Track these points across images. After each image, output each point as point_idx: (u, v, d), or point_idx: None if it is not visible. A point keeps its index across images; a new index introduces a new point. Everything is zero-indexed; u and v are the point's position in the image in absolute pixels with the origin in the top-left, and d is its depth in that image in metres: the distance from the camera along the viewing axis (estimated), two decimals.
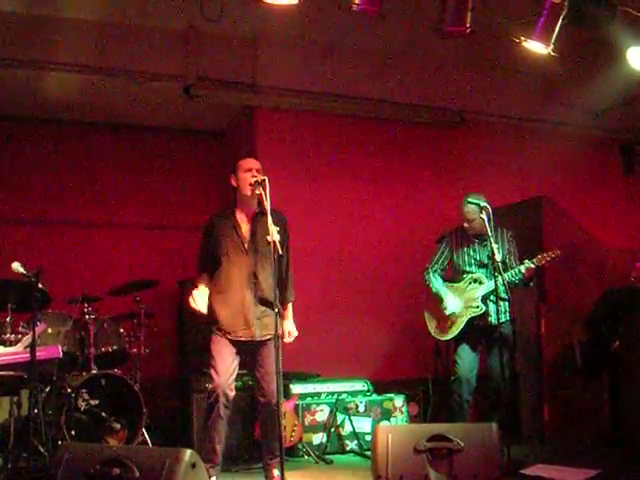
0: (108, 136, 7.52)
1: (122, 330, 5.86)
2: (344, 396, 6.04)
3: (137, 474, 3.29)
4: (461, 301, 5.47)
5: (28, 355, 4.36)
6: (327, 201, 7.08)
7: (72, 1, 5.82)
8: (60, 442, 4.91)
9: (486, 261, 5.45)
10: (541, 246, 5.46)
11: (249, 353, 4.61)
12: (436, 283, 5.60)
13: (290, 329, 4.67)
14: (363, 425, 5.99)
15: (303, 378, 6.16)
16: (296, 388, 5.98)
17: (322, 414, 5.91)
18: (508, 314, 5.45)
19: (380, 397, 6.16)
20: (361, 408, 6.04)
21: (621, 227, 8.00)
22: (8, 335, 5.08)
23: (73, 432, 5.13)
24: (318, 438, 5.84)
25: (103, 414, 5.33)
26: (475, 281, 5.49)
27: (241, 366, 4.69)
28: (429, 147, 7.57)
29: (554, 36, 4.82)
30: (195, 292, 4.51)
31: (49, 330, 5.34)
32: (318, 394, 6.03)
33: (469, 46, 6.59)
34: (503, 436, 4.36)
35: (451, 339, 5.56)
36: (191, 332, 6.62)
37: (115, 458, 3.37)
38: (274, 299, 4.23)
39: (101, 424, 5.30)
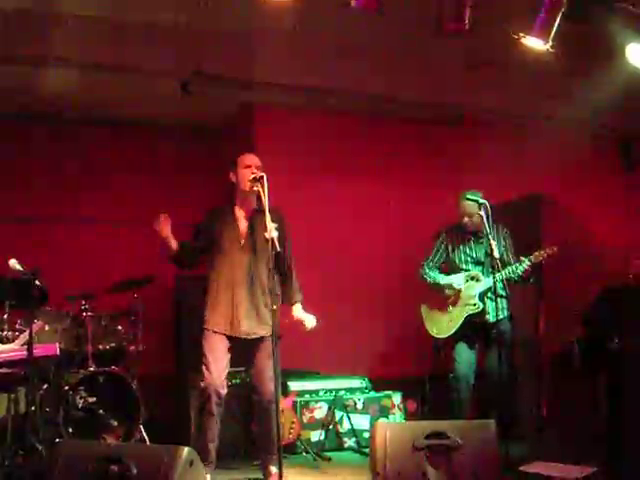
0: (104, 133, 7.49)
1: (120, 327, 5.85)
2: (342, 393, 6.05)
3: (135, 471, 3.28)
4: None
5: (25, 352, 4.35)
6: (325, 198, 7.07)
7: None
8: (57, 439, 4.90)
9: (482, 259, 5.45)
10: (539, 244, 5.47)
11: (243, 350, 4.61)
12: (433, 274, 5.60)
13: (307, 320, 4.71)
14: (361, 422, 6.00)
15: (301, 375, 6.16)
16: (294, 385, 5.98)
17: (320, 411, 5.91)
18: (506, 311, 5.44)
19: (378, 394, 6.17)
20: (359, 405, 6.04)
21: (620, 224, 7.99)
22: (5, 332, 5.09)
23: (70, 429, 5.14)
24: (316, 435, 5.84)
25: (101, 411, 5.34)
26: (472, 279, 5.49)
27: (238, 363, 4.68)
28: (427, 144, 7.56)
29: (553, 32, 4.81)
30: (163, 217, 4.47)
31: (46, 327, 5.34)
32: (316, 391, 6.04)
33: (467, 43, 6.57)
34: (501, 433, 4.35)
35: (449, 337, 5.55)
36: (189, 329, 6.60)
37: (113, 455, 3.36)
38: (270, 297, 4.23)
39: (99, 421, 5.31)
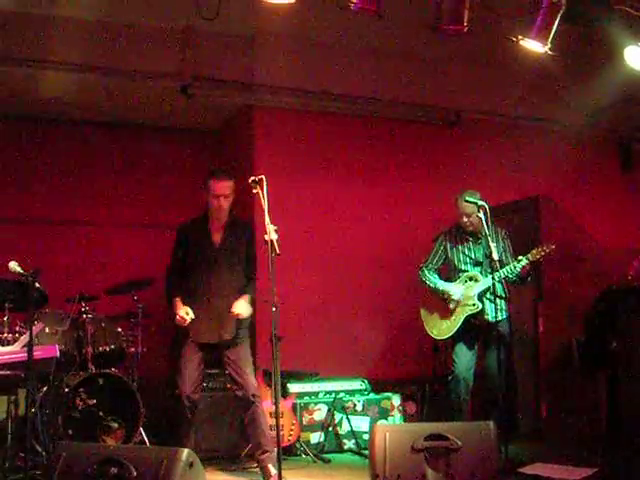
0: (105, 135, 7.49)
1: (120, 329, 5.85)
2: (342, 395, 6.05)
3: (134, 473, 3.29)
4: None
5: (25, 354, 4.33)
6: (324, 200, 7.07)
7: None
8: (57, 442, 4.89)
9: (481, 259, 5.46)
10: (538, 244, 5.46)
11: (219, 354, 4.86)
12: (433, 279, 5.61)
13: (240, 308, 4.76)
14: (361, 424, 5.99)
15: (301, 377, 6.16)
16: (294, 387, 5.98)
17: (320, 413, 5.91)
18: (505, 312, 5.45)
19: (378, 396, 6.16)
20: (359, 407, 6.04)
21: (618, 225, 7.99)
22: (5, 334, 5.08)
23: (70, 431, 5.14)
24: (316, 437, 5.84)
25: (100, 413, 5.33)
26: (471, 279, 5.50)
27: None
28: (425, 146, 7.56)
29: (551, 35, 4.82)
30: (180, 312, 4.76)
31: (46, 329, 5.34)
32: (316, 393, 6.04)
33: (466, 45, 6.59)
34: (500, 435, 4.36)
35: (448, 338, 5.56)
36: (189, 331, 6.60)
37: (112, 457, 3.37)
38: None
39: (98, 423, 5.30)
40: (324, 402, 5.96)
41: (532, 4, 4.82)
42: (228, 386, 5.44)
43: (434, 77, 7.38)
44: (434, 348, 6.38)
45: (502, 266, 5.29)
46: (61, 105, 6.92)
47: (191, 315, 4.71)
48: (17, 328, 5.18)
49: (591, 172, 8.20)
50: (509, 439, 4.95)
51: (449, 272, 5.65)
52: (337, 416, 5.94)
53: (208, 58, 6.62)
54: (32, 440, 4.64)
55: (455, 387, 5.46)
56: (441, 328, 5.54)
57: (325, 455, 5.67)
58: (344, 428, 5.96)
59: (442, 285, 5.55)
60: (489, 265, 5.17)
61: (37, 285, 4.62)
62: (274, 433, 4.40)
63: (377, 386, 6.31)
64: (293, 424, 5.66)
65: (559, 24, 4.82)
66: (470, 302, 5.42)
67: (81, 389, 5.31)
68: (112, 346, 5.74)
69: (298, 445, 5.71)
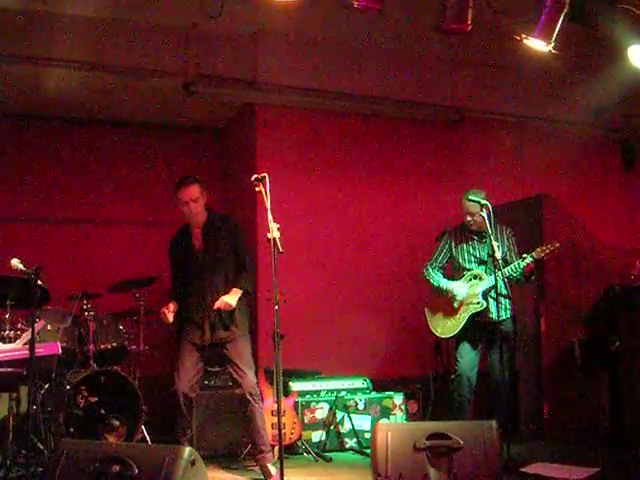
0: (107, 133, 7.50)
1: (121, 327, 5.86)
2: (344, 394, 6.04)
3: (136, 471, 3.28)
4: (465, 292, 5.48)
5: (27, 352, 4.33)
6: (327, 198, 7.07)
7: None
8: (59, 439, 4.89)
9: (486, 258, 5.45)
10: (541, 244, 5.45)
11: (217, 353, 4.95)
12: (437, 277, 5.61)
13: (220, 302, 4.80)
14: (362, 423, 5.99)
15: (303, 376, 6.16)
16: (296, 386, 5.98)
17: (322, 412, 5.90)
18: (509, 311, 5.45)
19: (380, 395, 6.16)
20: (360, 406, 6.03)
21: (621, 225, 7.99)
22: (7, 332, 5.08)
23: (72, 429, 5.14)
24: (317, 436, 5.84)
25: (102, 411, 5.34)
26: (475, 277, 5.49)
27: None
28: (429, 144, 7.56)
29: (555, 34, 4.81)
30: (163, 308, 4.84)
31: (48, 327, 5.34)
32: (318, 392, 6.03)
33: (469, 43, 6.59)
34: (503, 434, 4.36)
35: (452, 337, 5.55)
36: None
37: (114, 455, 3.36)
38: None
39: (100, 421, 5.31)
40: (326, 401, 5.95)
41: (536, 3, 4.81)
42: (229, 384, 5.43)
43: (438, 76, 7.37)
44: (436, 347, 6.39)
45: (506, 265, 5.28)
46: (62, 103, 6.91)
47: (172, 310, 4.80)
48: (19, 325, 5.18)
49: (594, 171, 8.20)
50: (511, 438, 4.96)
51: (454, 271, 5.65)
52: (339, 415, 5.94)
53: (211, 56, 6.62)
54: (34, 437, 4.63)
55: (458, 386, 5.45)
56: (445, 326, 5.54)
57: (327, 454, 5.66)
58: (346, 427, 5.95)
59: (446, 283, 5.54)
60: (493, 264, 5.16)
61: (39, 282, 4.62)
62: (276, 431, 4.40)
63: (379, 385, 6.31)
64: (295, 423, 5.65)
65: (562, 23, 4.82)
66: (475, 300, 5.42)
67: (83, 387, 5.32)
68: (114, 344, 5.75)
69: (300, 444, 5.71)
